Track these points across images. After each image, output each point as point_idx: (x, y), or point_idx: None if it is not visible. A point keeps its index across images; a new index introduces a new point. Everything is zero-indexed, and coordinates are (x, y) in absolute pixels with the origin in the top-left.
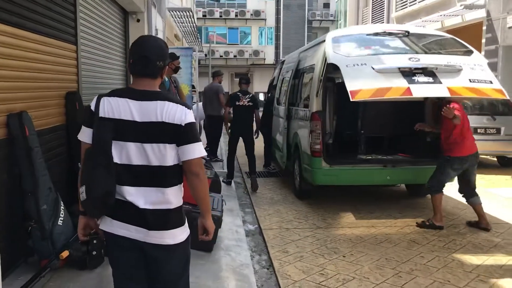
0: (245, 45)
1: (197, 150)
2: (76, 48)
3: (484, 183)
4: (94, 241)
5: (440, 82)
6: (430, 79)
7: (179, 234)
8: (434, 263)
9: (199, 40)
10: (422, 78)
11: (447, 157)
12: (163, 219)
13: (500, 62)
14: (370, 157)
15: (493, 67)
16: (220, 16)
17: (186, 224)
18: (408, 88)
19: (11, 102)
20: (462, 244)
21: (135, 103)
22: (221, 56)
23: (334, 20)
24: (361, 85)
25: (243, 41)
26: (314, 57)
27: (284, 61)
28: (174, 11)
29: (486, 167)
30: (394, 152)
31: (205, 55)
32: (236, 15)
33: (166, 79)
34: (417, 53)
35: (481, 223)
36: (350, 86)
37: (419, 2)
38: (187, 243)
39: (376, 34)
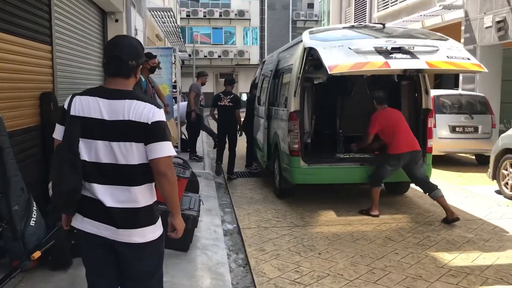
0: (230, 45)
1: (165, 148)
2: (51, 48)
3: (462, 180)
4: (75, 231)
5: (418, 58)
6: (408, 56)
7: (150, 233)
8: (407, 259)
9: (182, 40)
10: (399, 56)
11: (385, 154)
12: (131, 217)
13: (478, 61)
14: (347, 156)
15: None
16: (204, 16)
17: (159, 222)
18: (386, 62)
19: None
20: (436, 241)
21: (105, 101)
22: (205, 56)
23: (318, 20)
24: (338, 60)
25: (228, 41)
26: (292, 57)
27: (265, 61)
28: (155, 11)
29: (464, 165)
30: (372, 150)
31: (189, 55)
32: (220, 15)
33: (143, 79)
34: (393, 37)
35: (447, 216)
36: (327, 62)
37: (400, 2)
38: (160, 241)
39: (352, 27)
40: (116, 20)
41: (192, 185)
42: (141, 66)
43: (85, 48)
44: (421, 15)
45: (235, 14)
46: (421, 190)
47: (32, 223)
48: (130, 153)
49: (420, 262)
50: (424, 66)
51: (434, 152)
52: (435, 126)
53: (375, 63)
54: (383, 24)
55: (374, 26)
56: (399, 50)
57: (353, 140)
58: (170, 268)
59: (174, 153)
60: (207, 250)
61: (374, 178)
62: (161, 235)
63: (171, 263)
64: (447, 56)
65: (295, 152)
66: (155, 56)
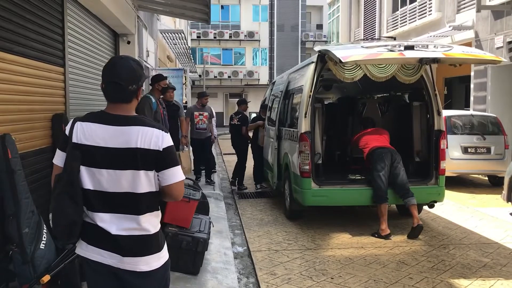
0: (239, 66)
1: (178, 174)
2: (64, 70)
3: (475, 202)
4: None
5: (433, 51)
6: (423, 50)
7: (155, 261)
8: (422, 284)
9: (192, 61)
10: (413, 51)
11: (366, 164)
12: (137, 245)
13: (489, 81)
14: (359, 177)
15: (482, 87)
16: (214, 37)
17: (164, 249)
18: (401, 53)
19: None
20: (451, 265)
21: (108, 128)
22: (215, 76)
23: (327, 41)
24: (351, 53)
25: (237, 62)
26: (303, 78)
27: (275, 81)
28: (166, 33)
29: (477, 186)
30: None
31: (199, 75)
32: (230, 36)
33: (153, 100)
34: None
35: (413, 224)
36: (339, 53)
37: (409, 23)
38: (165, 268)
39: (362, 40)
40: (128, 42)
41: (203, 207)
42: (142, 87)
43: (98, 70)
44: (430, 36)
45: (245, 35)
46: (435, 212)
47: (42, 246)
48: (137, 182)
49: None
50: (440, 55)
51: (446, 174)
52: (447, 147)
53: (389, 54)
54: (394, 38)
55: (386, 40)
56: (412, 47)
57: (364, 161)
58: None
59: (184, 177)
60: (218, 274)
61: (375, 194)
62: (166, 261)
63: (181, 287)
64: (463, 51)
65: (306, 173)
66: (165, 77)
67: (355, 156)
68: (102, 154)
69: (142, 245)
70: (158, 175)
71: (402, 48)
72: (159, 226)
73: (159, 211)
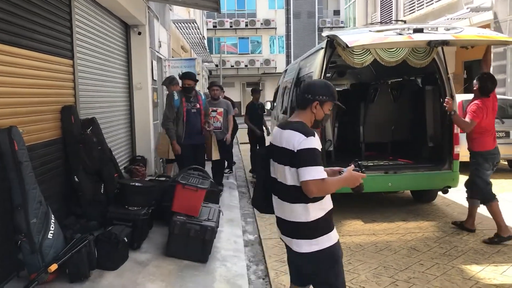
0: (256, 55)
1: (306, 173)
2: (73, 62)
3: (493, 188)
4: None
5: (443, 33)
6: (431, 33)
7: (305, 245)
8: (433, 270)
9: (208, 51)
10: (422, 34)
11: (477, 153)
12: (290, 228)
13: (508, 64)
14: (371, 164)
15: (501, 69)
16: (231, 26)
17: (319, 239)
18: (409, 35)
19: (2, 118)
20: (463, 251)
21: (281, 131)
22: (232, 66)
23: (344, 27)
24: (358, 37)
25: (255, 51)
26: (313, 64)
27: (287, 69)
28: (179, 23)
29: (496, 171)
30: (396, 158)
31: (216, 65)
32: (246, 25)
33: (176, 97)
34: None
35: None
36: (346, 38)
37: (426, 6)
38: (316, 257)
39: (371, 24)
40: (139, 33)
41: (212, 195)
42: (317, 102)
43: (108, 61)
44: (448, 19)
45: (261, 24)
46: (450, 198)
47: (50, 235)
48: (284, 175)
49: (446, 274)
50: (449, 38)
51: (463, 158)
52: (462, 132)
53: (397, 37)
54: (404, 21)
55: (396, 23)
56: (421, 31)
57: (376, 148)
58: (188, 280)
59: (315, 177)
60: (227, 262)
61: (481, 193)
62: (319, 250)
63: (189, 275)
64: (478, 33)
65: None
66: (190, 77)
67: (368, 142)
68: (275, 150)
69: (294, 228)
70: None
71: (411, 31)
72: (309, 217)
73: (307, 204)
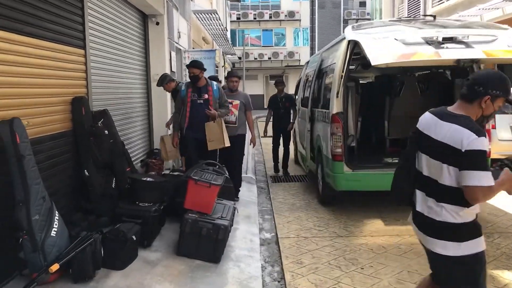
0: (280, 47)
1: (473, 178)
2: (85, 52)
3: None
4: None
5: (473, 48)
6: (461, 46)
7: (452, 248)
8: None
9: (230, 42)
10: (451, 45)
11: None
12: (436, 228)
13: None
14: (396, 161)
15: None
16: (254, 18)
17: (468, 242)
18: (436, 52)
19: (4, 109)
20: (495, 256)
21: (439, 122)
22: (255, 58)
23: (370, 19)
24: (383, 52)
25: (279, 43)
26: (335, 56)
27: (309, 61)
28: (200, 14)
29: None
30: None
31: (239, 58)
32: (270, 17)
33: (183, 87)
34: (444, 28)
35: None
36: (370, 53)
37: None
38: (465, 261)
39: (399, 20)
40: (157, 23)
41: (226, 192)
42: (489, 96)
43: (124, 51)
44: (479, 9)
45: (285, 15)
46: None
47: (53, 233)
48: (440, 173)
49: None
50: (480, 55)
51: (494, 156)
52: (494, 127)
53: (424, 54)
54: (434, 16)
55: (424, 18)
56: (451, 40)
57: (401, 144)
58: (198, 282)
59: (483, 184)
60: (240, 262)
61: None
62: (466, 256)
63: (199, 276)
64: (508, 45)
65: (338, 156)
66: (195, 65)
67: (392, 138)
68: (427, 142)
69: (437, 228)
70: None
71: (441, 38)
72: (463, 219)
73: (463, 208)
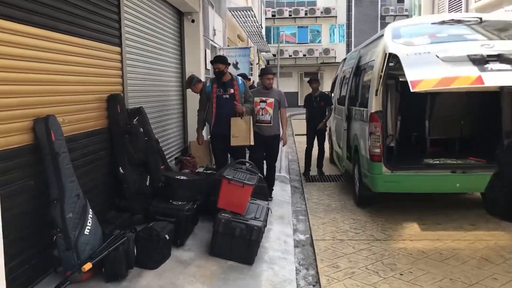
0: (315, 44)
1: None
2: (121, 50)
3: None
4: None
5: None
6: (508, 67)
7: None
8: (508, 287)
9: (265, 40)
10: (497, 66)
11: None
12: None
13: None
14: (437, 162)
15: None
16: (290, 15)
17: None
18: (479, 76)
19: (40, 106)
20: None
21: None
22: (290, 55)
23: (408, 15)
24: (423, 74)
25: (315, 40)
26: (374, 53)
27: (346, 58)
28: (235, 11)
29: None
30: (466, 156)
31: (274, 55)
32: (305, 14)
33: (208, 83)
34: (491, 40)
35: None
36: (410, 75)
37: None
38: None
39: (443, 22)
40: (193, 21)
41: (261, 192)
42: None
43: (160, 49)
44: None
45: (321, 12)
46: None
47: (86, 231)
48: None
49: None
50: None
51: None
52: None
53: (466, 78)
54: (480, 18)
55: (469, 21)
56: (498, 57)
57: (443, 144)
58: (231, 284)
59: None
60: (274, 264)
61: None
62: None
63: (233, 278)
64: None
65: (376, 157)
66: (220, 61)
67: (433, 138)
68: None
69: None
70: None
71: (486, 55)
72: None
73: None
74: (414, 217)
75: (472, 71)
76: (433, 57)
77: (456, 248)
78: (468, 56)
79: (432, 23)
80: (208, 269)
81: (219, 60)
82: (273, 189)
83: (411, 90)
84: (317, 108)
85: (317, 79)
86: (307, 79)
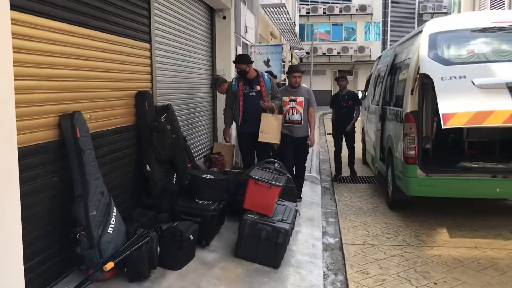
0: (350, 42)
1: None
2: (150, 46)
3: None
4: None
5: None
6: None
7: None
8: None
9: (298, 37)
10: None
11: None
12: None
13: None
14: (476, 165)
15: None
16: (324, 12)
17: None
18: None
19: (67, 102)
20: None
21: None
22: (324, 53)
23: (447, 13)
24: (456, 106)
25: (350, 38)
26: (410, 51)
27: (381, 56)
28: (268, 8)
29: None
30: (507, 160)
31: (307, 53)
32: (340, 11)
33: (234, 82)
34: None
35: None
36: (443, 107)
37: None
38: None
39: (484, 30)
40: (224, 17)
41: (290, 193)
42: None
43: (190, 46)
44: None
45: (356, 9)
46: None
47: (110, 230)
48: None
49: None
50: None
51: None
52: None
53: (499, 115)
54: None
55: None
56: None
57: (482, 147)
58: None
59: None
60: (301, 268)
61: None
62: None
63: (257, 281)
64: None
65: (411, 159)
66: (241, 61)
67: (472, 140)
68: None
69: None
70: None
71: None
72: None
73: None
74: (450, 223)
75: (508, 104)
76: (468, 83)
77: (495, 257)
78: (507, 84)
79: (472, 31)
80: (232, 271)
81: (240, 61)
82: (301, 190)
83: (442, 127)
84: (345, 107)
85: (345, 77)
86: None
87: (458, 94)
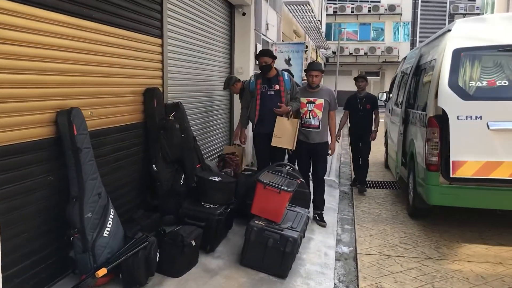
0: (377, 42)
1: None
2: (162, 41)
3: None
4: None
5: None
6: None
7: None
8: None
9: (323, 36)
10: None
11: None
12: None
13: None
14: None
15: None
16: (352, 12)
17: None
18: None
19: (65, 98)
20: None
21: None
22: (350, 53)
23: (479, 14)
24: (467, 154)
25: (378, 38)
26: (436, 52)
27: (406, 57)
28: (292, 5)
29: None
30: None
31: (333, 52)
32: (368, 11)
33: (252, 79)
34: None
35: None
36: (455, 154)
37: None
38: None
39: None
40: (244, 14)
41: (302, 198)
42: None
43: (207, 42)
44: None
45: (385, 9)
46: None
47: (105, 233)
48: None
49: None
50: None
51: None
52: None
53: (508, 166)
54: None
55: None
56: None
57: None
58: None
59: None
60: (310, 279)
61: None
62: None
63: None
64: None
65: (433, 166)
66: (266, 54)
67: None
68: None
69: None
70: None
71: None
72: None
73: None
74: (473, 235)
75: None
76: (483, 126)
77: None
78: None
79: (499, 50)
80: (236, 280)
81: (265, 54)
82: (322, 213)
83: (450, 176)
84: (361, 111)
85: (365, 77)
86: (369, 77)
87: (470, 139)
